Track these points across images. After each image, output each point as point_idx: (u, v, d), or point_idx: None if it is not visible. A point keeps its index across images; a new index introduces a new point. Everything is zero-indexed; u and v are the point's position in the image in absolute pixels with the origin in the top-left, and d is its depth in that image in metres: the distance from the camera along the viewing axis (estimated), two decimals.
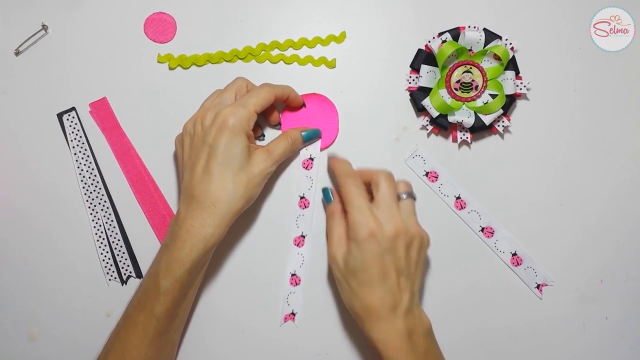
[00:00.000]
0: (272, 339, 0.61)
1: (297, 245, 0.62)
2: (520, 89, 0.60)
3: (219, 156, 0.53)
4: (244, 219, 0.61)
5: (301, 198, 0.62)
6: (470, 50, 0.59)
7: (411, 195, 0.56)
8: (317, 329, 0.62)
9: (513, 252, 0.61)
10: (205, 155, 0.53)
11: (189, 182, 0.54)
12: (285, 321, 0.61)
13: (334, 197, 0.58)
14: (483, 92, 0.60)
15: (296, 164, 0.62)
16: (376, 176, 0.55)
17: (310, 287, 0.62)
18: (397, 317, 0.52)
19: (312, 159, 0.61)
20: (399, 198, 0.55)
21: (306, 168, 0.61)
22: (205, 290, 0.62)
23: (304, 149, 0.61)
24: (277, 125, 0.62)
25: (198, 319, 0.61)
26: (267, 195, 0.62)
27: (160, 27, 0.63)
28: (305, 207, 0.61)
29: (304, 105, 0.61)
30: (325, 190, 0.59)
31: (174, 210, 0.62)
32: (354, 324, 0.61)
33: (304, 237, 0.62)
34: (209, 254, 0.55)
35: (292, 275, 0.62)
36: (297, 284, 0.61)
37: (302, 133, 0.59)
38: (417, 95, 0.60)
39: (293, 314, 0.61)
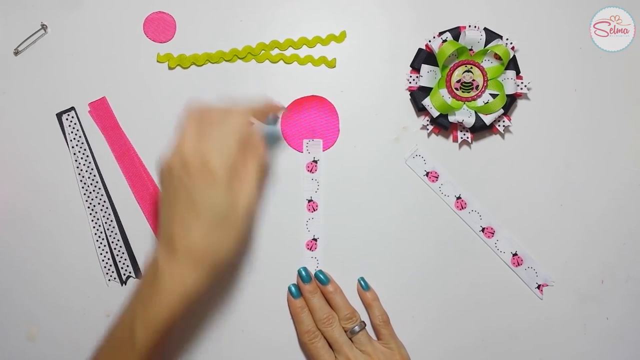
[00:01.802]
0: (275, 340, 0.61)
1: (310, 249, 0.61)
2: (521, 88, 0.60)
3: (202, 211, 0.48)
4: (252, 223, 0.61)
5: (309, 201, 0.61)
6: (470, 49, 0.59)
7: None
8: None
9: (514, 253, 0.61)
10: (184, 207, 0.49)
11: (169, 230, 0.50)
12: None
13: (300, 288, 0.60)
14: (484, 91, 0.59)
15: (300, 168, 0.61)
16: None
17: None
18: None
19: (315, 162, 0.61)
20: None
21: (310, 171, 0.61)
22: (218, 297, 0.62)
23: (307, 151, 0.61)
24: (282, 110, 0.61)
25: (201, 321, 0.61)
26: (275, 198, 0.62)
27: (159, 27, 0.63)
28: (314, 210, 0.61)
29: (285, 109, 0.61)
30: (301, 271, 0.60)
31: None
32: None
33: (316, 240, 0.61)
34: (192, 304, 0.50)
35: None
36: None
37: (264, 140, 0.54)
38: (418, 95, 0.60)
39: None
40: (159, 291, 0.49)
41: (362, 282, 0.61)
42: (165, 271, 0.49)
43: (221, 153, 0.49)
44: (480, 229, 0.61)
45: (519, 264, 0.61)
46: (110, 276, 0.62)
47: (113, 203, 0.62)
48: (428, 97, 0.59)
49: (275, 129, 0.58)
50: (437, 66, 0.60)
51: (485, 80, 0.59)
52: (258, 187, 0.52)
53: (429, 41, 0.59)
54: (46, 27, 0.63)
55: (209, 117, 0.51)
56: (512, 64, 0.59)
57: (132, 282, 0.62)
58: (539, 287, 0.61)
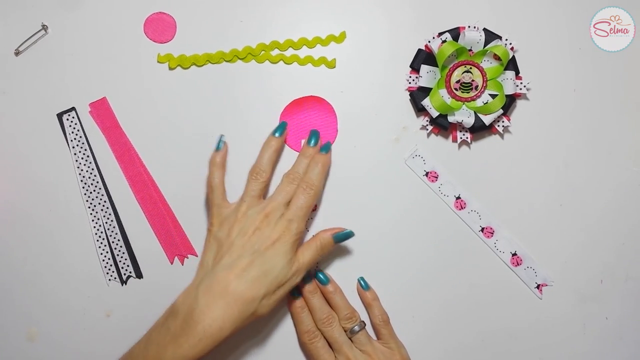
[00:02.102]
0: (275, 340, 0.61)
1: None
2: (520, 89, 0.60)
3: (262, 268, 0.53)
4: None
5: None
6: (470, 50, 0.59)
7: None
8: None
9: (513, 252, 0.61)
10: (247, 262, 0.53)
11: (220, 278, 0.52)
12: None
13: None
14: (483, 92, 0.59)
15: None
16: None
17: None
18: None
19: None
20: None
21: None
22: None
23: None
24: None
25: None
26: None
27: (160, 27, 0.63)
28: (314, 210, 0.61)
29: None
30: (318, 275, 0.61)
31: (174, 211, 0.62)
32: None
33: None
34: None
35: None
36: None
37: (334, 235, 0.58)
38: (417, 95, 0.60)
39: None
40: (194, 333, 0.50)
41: (361, 281, 0.61)
42: (206, 314, 0.51)
43: (296, 232, 0.55)
44: (480, 228, 0.61)
45: (518, 264, 0.61)
46: (111, 276, 0.62)
47: (113, 203, 0.62)
48: (427, 98, 0.59)
49: (350, 233, 0.59)
50: (437, 66, 0.60)
51: (485, 81, 0.59)
52: (304, 271, 0.56)
53: (429, 41, 0.59)
54: (47, 27, 0.63)
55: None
56: (512, 65, 0.59)
57: (133, 282, 0.62)
58: (538, 287, 0.61)
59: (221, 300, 0.51)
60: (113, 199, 0.62)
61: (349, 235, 0.59)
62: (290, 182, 0.58)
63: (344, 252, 0.62)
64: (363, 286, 0.61)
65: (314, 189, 0.56)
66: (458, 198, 0.61)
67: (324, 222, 0.61)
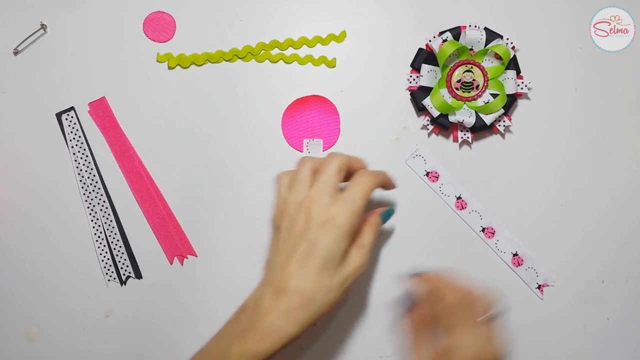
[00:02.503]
0: None
1: None
2: (522, 88, 0.60)
3: (320, 255, 0.49)
4: (252, 225, 0.62)
5: None
6: (471, 49, 0.59)
7: None
8: (339, 331, 0.62)
9: (514, 253, 0.61)
10: (304, 250, 0.49)
11: (280, 272, 0.50)
12: None
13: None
14: (484, 91, 0.59)
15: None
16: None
17: None
18: None
19: None
20: None
21: None
22: (214, 292, 0.62)
23: (307, 151, 0.61)
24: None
25: (201, 321, 0.61)
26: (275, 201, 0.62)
27: (159, 27, 0.62)
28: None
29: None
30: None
31: (173, 211, 0.62)
32: (368, 324, 0.61)
33: None
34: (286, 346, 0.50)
35: None
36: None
37: (381, 214, 0.56)
38: (418, 95, 0.60)
39: None
40: (260, 328, 0.49)
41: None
42: (272, 311, 0.49)
43: (351, 213, 0.50)
44: (481, 229, 0.61)
45: (519, 264, 0.61)
46: (110, 276, 0.62)
47: (113, 203, 0.62)
48: (428, 97, 0.59)
49: (392, 210, 0.58)
50: (438, 66, 0.60)
51: (486, 80, 0.59)
52: (369, 255, 0.52)
53: (429, 41, 0.59)
54: (46, 27, 0.62)
55: (342, 170, 0.52)
56: (513, 64, 0.59)
57: (132, 282, 0.62)
58: (539, 287, 0.61)
59: (284, 296, 0.49)
60: (112, 199, 0.62)
61: (391, 212, 0.57)
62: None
63: None
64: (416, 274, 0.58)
65: (371, 174, 0.53)
66: (459, 198, 0.61)
67: None
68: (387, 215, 0.57)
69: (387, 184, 0.56)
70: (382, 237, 0.61)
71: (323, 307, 0.50)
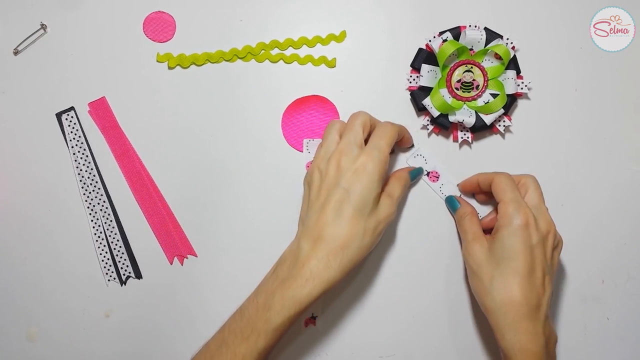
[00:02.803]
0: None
1: None
2: (522, 88, 0.60)
3: (354, 201, 0.51)
4: (253, 224, 0.62)
5: None
6: (471, 49, 0.59)
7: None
8: (339, 330, 0.62)
9: None
10: (337, 198, 0.52)
11: (316, 221, 0.52)
12: (307, 326, 0.61)
13: (460, 203, 0.60)
14: (484, 91, 0.59)
15: (300, 168, 0.61)
16: (524, 179, 0.56)
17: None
18: (539, 320, 0.51)
19: None
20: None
21: None
22: (214, 292, 0.62)
23: (307, 151, 0.61)
24: (411, 147, 0.61)
25: (201, 320, 0.61)
26: (276, 198, 0.62)
27: (159, 27, 0.62)
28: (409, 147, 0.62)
29: (412, 145, 0.62)
30: (450, 199, 0.60)
31: (173, 211, 0.62)
32: (368, 324, 0.61)
33: None
34: (324, 294, 0.52)
35: None
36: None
37: (409, 172, 0.59)
38: (418, 95, 0.60)
39: (313, 317, 0.61)
40: (301, 274, 0.51)
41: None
42: (311, 258, 0.51)
43: (378, 160, 0.52)
44: None
45: None
46: (110, 276, 0.62)
47: (113, 203, 0.62)
48: (428, 97, 0.59)
49: (421, 169, 0.61)
50: (438, 66, 0.60)
51: (486, 80, 0.59)
52: (397, 204, 0.56)
53: (429, 41, 0.59)
54: (46, 27, 0.62)
55: (367, 124, 0.55)
56: (513, 64, 0.59)
57: (132, 282, 0.62)
58: None
59: (322, 243, 0.51)
60: (112, 199, 0.62)
61: (419, 171, 0.60)
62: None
63: None
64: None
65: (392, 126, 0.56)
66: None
67: None
68: (416, 174, 0.60)
69: (405, 137, 0.59)
70: (383, 237, 0.61)
71: (359, 252, 0.52)
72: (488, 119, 0.59)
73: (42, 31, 0.62)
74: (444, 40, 0.58)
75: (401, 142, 0.60)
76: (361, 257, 0.52)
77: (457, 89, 0.60)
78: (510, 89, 0.59)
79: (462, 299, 0.61)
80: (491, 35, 0.59)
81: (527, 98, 0.61)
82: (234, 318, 0.53)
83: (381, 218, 0.53)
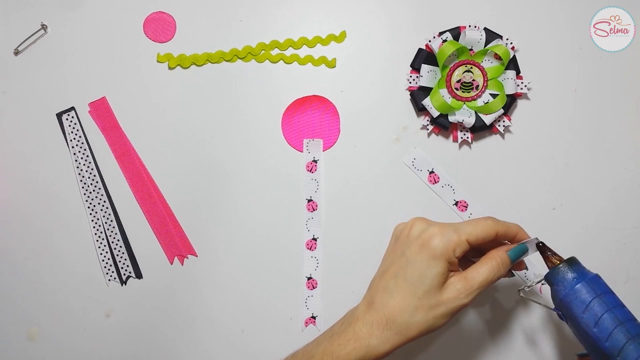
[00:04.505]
0: (275, 340, 0.61)
1: (310, 248, 0.61)
2: (521, 88, 0.60)
3: (410, 273, 0.49)
4: (253, 222, 0.62)
5: (309, 201, 0.61)
6: (470, 49, 0.59)
7: None
8: None
9: None
10: (398, 266, 0.50)
11: (376, 285, 0.51)
12: (307, 325, 0.61)
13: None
14: (484, 91, 0.59)
15: (300, 168, 0.62)
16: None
17: (327, 290, 0.62)
18: None
19: (315, 162, 0.61)
20: None
21: (310, 171, 0.61)
22: (214, 292, 0.62)
23: (307, 151, 0.61)
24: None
25: (201, 321, 0.62)
26: (276, 198, 0.62)
27: (159, 27, 0.63)
28: (314, 210, 0.61)
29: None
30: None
31: (174, 210, 0.62)
32: None
33: (315, 239, 0.61)
34: None
35: (308, 279, 0.61)
36: (314, 288, 0.61)
37: (508, 252, 0.51)
38: (418, 95, 0.60)
39: (313, 317, 0.62)
40: (346, 332, 0.50)
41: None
42: (359, 320, 0.50)
43: (448, 239, 0.49)
44: None
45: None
46: (110, 276, 0.62)
47: (113, 203, 0.62)
48: (428, 97, 0.59)
49: (524, 247, 0.52)
50: (437, 66, 0.60)
51: (485, 80, 0.59)
52: (474, 292, 0.49)
53: (429, 41, 0.59)
54: (46, 27, 0.63)
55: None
56: (512, 64, 0.59)
57: (132, 282, 0.62)
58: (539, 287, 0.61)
59: (372, 309, 0.50)
60: (112, 199, 0.62)
61: (523, 249, 0.51)
62: None
63: (344, 252, 0.62)
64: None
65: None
66: (459, 200, 0.61)
67: (325, 221, 0.61)
68: (518, 252, 0.51)
69: (517, 238, 0.52)
70: (383, 237, 0.61)
71: (408, 328, 0.49)
72: (488, 119, 0.59)
73: (42, 31, 0.63)
74: (444, 41, 0.58)
75: (513, 240, 0.52)
76: (410, 335, 0.49)
77: (456, 89, 0.60)
78: (509, 89, 0.59)
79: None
80: (491, 36, 0.59)
81: (527, 98, 0.61)
82: (292, 355, 0.53)
83: (444, 300, 0.48)
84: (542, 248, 0.51)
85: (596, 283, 0.47)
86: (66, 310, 0.62)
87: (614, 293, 0.47)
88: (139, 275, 0.62)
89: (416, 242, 0.50)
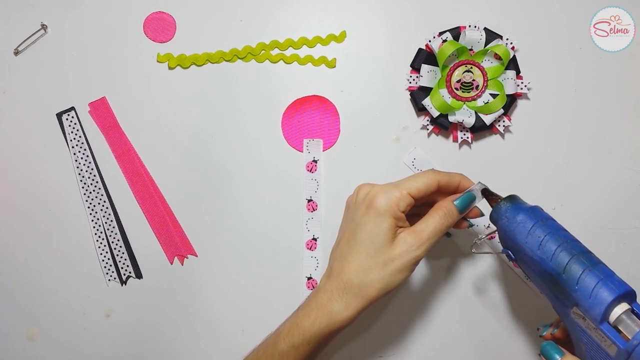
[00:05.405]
0: None
1: (310, 249, 0.61)
2: (521, 88, 0.60)
3: (360, 235, 0.50)
4: (253, 222, 0.62)
5: (309, 201, 0.61)
6: (470, 49, 0.59)
7: None
8: None
9: None
10: (350, 232, 0.51)
11: (334, 253, 0.52)
12: None
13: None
14: (484, 91, 0.59)
15: (300, 168, 0.62)
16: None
17: None
18: None
19: (315, 162, 0.61)
20: None
21: (310, 171, 0.61)
22: (214, 292, 0.62)
23: (307, 151, 0.61)
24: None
25: (201, 321, 0.61)
26: (276, 198, 0.62)
27: (159, 27, 0.63)
28: (314, 210, 0.61)
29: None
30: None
31: (174, 210, 0.62)
32: (368, 324, 0.61)
33: (315, 239, 0.62)
34: (333, 333, 0.50)
35: (308, 279, 0.61)
36: (314, 287, 0.61)
37: (455, 201, 0.51)
38: (418, 95, 0.60)
39: None
40: (308, 304, 0.51)
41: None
42: (320, 290, 0.51)
43: (391, 196, 0.49)
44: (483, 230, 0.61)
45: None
46: (110, 276, 0.62)
47: (113, 203, 0.62)
48: (428, 97, 0.59)
49: (471, 195, 0.52)
50: (437, 66, 0.60)
51: (485, 80, 0.59)
52: (426, 243, 0.50)
53: (429, 41, 0.59)
54: (46, 27, 0.62)
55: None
56: (512, 64, 0.59)
57: (132, 282, 0.62)
58: None
59: (330, 277, 0.51)
60: (113, 199, 0.62)
61: (470, 197, 0.52)
62: None
63: None
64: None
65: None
66: None
67: (325, 221, 0.61)
68: (464, 200, 0.52)
69: (461, 187, 0.52)
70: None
71: (367, 289, 0.49)
72: (488, 119, 0.59)
73: (42, 31, 0.63)
74: (444, 41, 0.58)
75: (457, 191, 0.53)
76: (371, 294, 0.49)
77: (456, 89, 0.60)
78: (509, 89, 0.59)
79: (462, 299, 0.61)
80: (491, 36, 0.59)
81: (527, 98, 0.61)
82: (263, 340, 0.54)
83: (395, 255, 0.49)
84: (486, 192, 0.52)
85: (537, 212, 0.49)
86: (66, 310, 0.62)
87: (555, 220, 0.48)
88: (139, 275, 0.62)
89: (362, 205, 0.51)
